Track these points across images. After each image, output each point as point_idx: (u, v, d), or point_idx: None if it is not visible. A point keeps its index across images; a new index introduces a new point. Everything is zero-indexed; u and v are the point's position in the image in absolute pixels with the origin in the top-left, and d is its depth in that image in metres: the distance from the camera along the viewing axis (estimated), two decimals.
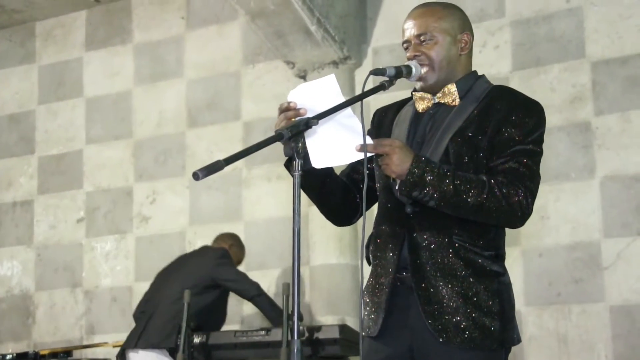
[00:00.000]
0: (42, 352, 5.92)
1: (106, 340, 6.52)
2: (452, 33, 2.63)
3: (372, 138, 2.44)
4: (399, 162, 2.41)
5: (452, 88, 2.61)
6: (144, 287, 6.76)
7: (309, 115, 2.35)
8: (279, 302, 5.06)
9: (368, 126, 2.76)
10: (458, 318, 2.47)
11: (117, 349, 5.76)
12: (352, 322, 5.75)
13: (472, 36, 2.69)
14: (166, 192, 7.01)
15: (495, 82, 2.72)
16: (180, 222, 6.92)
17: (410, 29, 2.63)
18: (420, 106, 2.65)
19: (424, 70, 2.59)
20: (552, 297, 5.70)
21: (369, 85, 2.48)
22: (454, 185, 2.42)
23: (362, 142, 2.37)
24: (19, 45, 7.83)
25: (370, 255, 2.67)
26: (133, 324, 5.59)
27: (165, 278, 5.58)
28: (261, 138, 2.29)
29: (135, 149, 7.20)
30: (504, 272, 2.57)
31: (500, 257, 2.58)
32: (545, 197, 5.65)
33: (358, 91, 6.01)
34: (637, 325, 5.50)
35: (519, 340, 2.58)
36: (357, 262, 6.15)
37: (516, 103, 2.58)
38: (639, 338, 5.48)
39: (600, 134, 5.71)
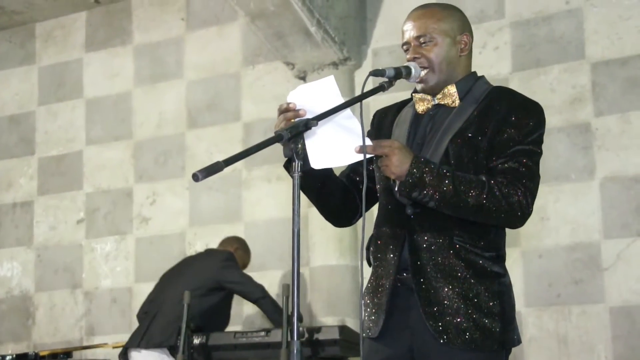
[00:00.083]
0: (42, 353, 5.92)
1: (106, 341, 6.52)
2: (452, 34, 2.63)
3: (372, 139, 2.44)
4: (398, 163, 2.41)
5: (452, 89, 2.61)
6: (144, 288, 6.77)
7: (308, 116, 2.35)
8: (279, 303, 5.06)
9: (368, 127, 2.77)
10: (459, 319, 2.48)
11: (117, 350, 5.76)
12: (352, 323, 5.75)
13: (472, 37, 2.69)
14: (166, 193, 7.01)
15: (495, 83, 2.72)
16: (180, 223, 6.92)
17: (410, 31, 2.63)
18: (420, 107, 2.65)
19: (424, 72, 2.59)
20: (552, 298, 5.70)
21: (369, 86, 2.48)
22: (453, 185, 2.43)
23: (361, 143, 2.37)
24: (19, 47, 7.84)
25: (371, 257, 2.67)
26: (133, 325, 5.60)
27: (170, 279, 5.60)
28: (261, 139, 2.29)
29: (135, 150, 7.20)
30: (504, 273, 2.57)
31: (500, 258, 2.58)
32: (545, 198, 5.65)
33: (358, 92, 6.00)
34: (637, 326, 5.50)
35: (519, 342, 2.58)
36: (357, 263, 6.15)
37: (516, 104, 2.58)
38: (638, 339, 5.48)
39: (600, 135, 5.71)
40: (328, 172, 2.59)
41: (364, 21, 6.48)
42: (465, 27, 2.67)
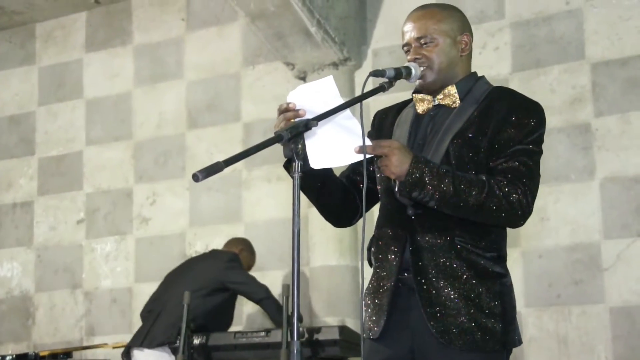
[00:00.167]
0: (42, 354, 5.91)
1: (106, 342, 6.52)
2: (452, 35, 2.63)
3: (372, 140, 2.44)
4: (398, 163, 2.41)
5: (452, 90, 2.62)
6: (144, 288, 6.77)
7: (308, 116, 2.35)
8: (280, 303, 5.06)
9: (368, 128, 2.77)
10: (460, 320, 2.48)
11: (117, 350, 5.77)
12: (352, 324, 5.75)
13: (472, 37, 2.69)
14: (166, 193, 7.01)
15: (495, 84, 2.73)
16: (180, 223, 6.92)
17: (410, 32, 2.63)
18: (421, 108, 2.66)
19: (422, 68, 2.59)
20: (552, 299, 5.70)
21: (369, 87, 2.49)
22: (453, 185, 2.43)
23: (361, 144, 2.38)
24: (19, 47, 7.84)
25: (372, 257, 2.67)
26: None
27: (174, 279, 5.63)
28: (261, 139, 2.29)
29: (135, 150, 7.20)
30: (505, 274, 2.57)
31: (502, 258, 2.58)
32: (545, 199, 5.65)
33: (358, 92, 6.01)
34: (637, 326, 5.50)
35: (520, 342, 2.58)
36: (357, 263, 6.16)
37: (516, 104, 2.58)
38: (639, 339, 5.48)
39: (600, 135, 5.71)
40: (328, 172, 2.59)
41: (364, 21, 6.49)
42: (465, 27, 2.68)
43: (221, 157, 2.20)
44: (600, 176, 5.68)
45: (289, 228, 2.40)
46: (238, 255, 5.71)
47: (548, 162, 5.30)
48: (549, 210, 5.74)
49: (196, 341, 5.13)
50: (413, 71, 2.57)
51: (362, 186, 2.43)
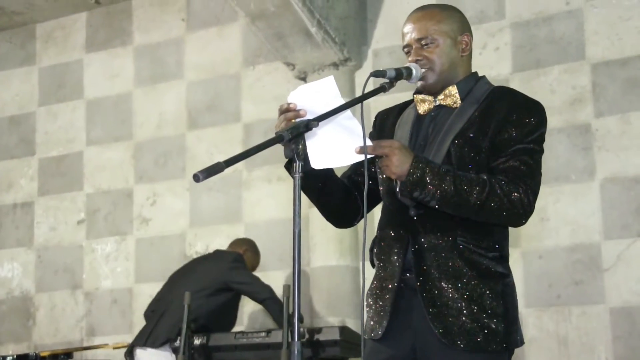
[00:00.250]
0: (42, 354, 5.91)
1: (106, 342, 6.52)
2: (452, 35, 2.63)
3: (373, 140, 2.44)
4: (398, 163, 2.41)
5: (453, 90, 2.62)
6: (144, 288, 6.78)
7: (309, 116, 2.36)
8: None
9: (369, 128, 2.77)
10: (462, 320, 2.48)
11: (117, 351, 5.77)
12: (353, 324, 5.76)
13: (472, 37, 2.70)
14: (166, 193, 7.01)
15: (495, 84, 2.72)
16: (180, 223, 6.92)
17: (411, 33, 2.63)
18: (422, 108, 2.66)
19: (423, 70, 2.60)
20: (552, 299, 5.70)
21: (369, 87, 2.49)
22: (454, 184, 2.43)
23: (361, 144, 2.38)
24: (19, 47, 7.84)
25: (375, 258, 2.67)
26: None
27: (178, 279, 5.64)
28: (261, 140, 2.30)
29: (135, 150, 7.20)
30: (508, 274, 2.58)
31: (504, 258, 2.58)
32: (545, 199, 5.65)
33: (358, 93, 6.02)
34: (638, 327, 5.50)
35: (522, 342, 2.58)
36: (357, 263, 6.16)
37: (517, 103, 2.59)
38: (639, 340, 5.48)
39: (600, 135, 5.71)
40: (329, 172, 2.60)
41: (364, 22, 6.49)
42: (465, 27, 2.68)
43: (221, 158, 2.20)
44: (600, 177, 5.68)
45: (289, 228, 2.40)
46: (242, 255, 5.73)
47: (548, 163, 5.29)
48: (549, 210, 5.74)
49: (197, 341, 5.13)
50: (414, 72, 2.57)
51: (363, 187, 2.43)
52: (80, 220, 7.32)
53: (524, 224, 2.53)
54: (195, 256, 6.51)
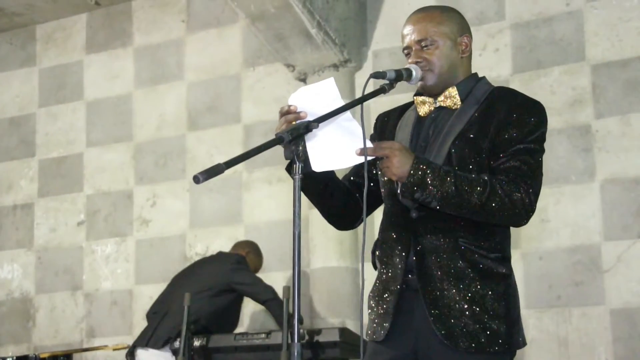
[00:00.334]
0: (42, 355, 5.91)
1: (106, 343, 6.52)
2: (452, 37, 2.64)
3: (374, 142, 2.44)
4: (399, 165, 2.41)
5: (453, 91, 2.62)
6: (144, 290, 6.78)
7: (309, 118, 2.36)
8: None
9: (369, 130, 2.77)
10: (464, 321, 2.48)
11: (117, 352, 5.77)
12: (353, 325, 5.76)
13: (471, 38, 2.70)
14: (166, 195, 7.01)
15: (495, 85, 2.73)
16: (180, 225, 6.92)
17: (410, 35, 2.63)
18: (422, 110, 2.66)
19: (423, 72, 2.60)
20: (553, 300, 5.70)
21: (369, 89, 2.49)
22: (455, 185, 2.43)
23: (362, 146, 2.38)
24: (19, 48, 7.84)
25: (377, 261, 2.67)
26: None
27: (181, 280, 5.67)
28: (261, 141, 2.30)
29: (135, 152, 7.20)
30: (510, 274, 2.57)
31: (506, 259, 2.58)
32: (546, 200, 5.65)
33: (358, 94, 6.02)
34: (638, 328, 5.50)
35: (524, 343, 2.58)
36: (357, 265, 6.16)
37: (517, 103, 2.59)
38: (639, 341, 5.48)
39: (600, 136, 5.71)
40: (330, 174, 2.59)
41: (364, 23, 6.49)
42: (464, 28, 2.68)
43: (222, 159, 2.20)
44: (600, 178, 5.68)
45: (289, 230, 2.40)
46: (245, 257, 5.75)
47: (548, 164, 5.28)
48: (550, 211, 5.74)
49: (196, 343, 5.13)
50: (414, 73, 2.57)
51: (364, 188, 2.43)
52: (80, 221, 7.32)
53: (525, 223, 2.52)
54: (195, 257, 6.52)
